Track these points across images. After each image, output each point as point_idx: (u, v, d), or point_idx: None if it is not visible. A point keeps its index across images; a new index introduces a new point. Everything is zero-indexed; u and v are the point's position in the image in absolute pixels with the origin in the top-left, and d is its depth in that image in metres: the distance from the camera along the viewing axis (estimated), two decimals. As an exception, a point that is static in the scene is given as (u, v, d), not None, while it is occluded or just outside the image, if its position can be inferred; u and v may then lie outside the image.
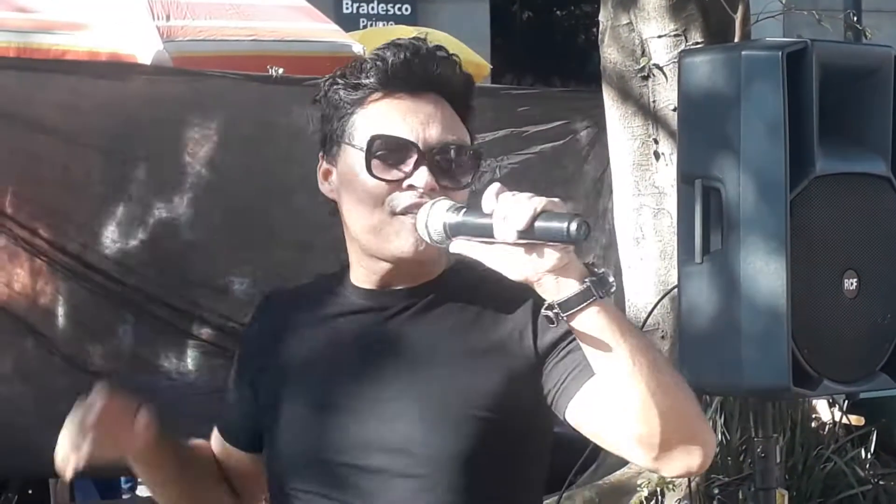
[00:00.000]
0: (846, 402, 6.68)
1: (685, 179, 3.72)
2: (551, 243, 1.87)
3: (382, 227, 2.11)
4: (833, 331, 3.64)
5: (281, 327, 2.26)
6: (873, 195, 3.72)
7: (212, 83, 5.94)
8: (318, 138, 2.23)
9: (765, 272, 3.53)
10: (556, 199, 1.89)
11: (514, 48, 17.50)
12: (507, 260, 1.89)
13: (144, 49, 6.78)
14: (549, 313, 1.91)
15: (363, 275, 2.19)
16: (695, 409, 2.04)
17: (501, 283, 1.97)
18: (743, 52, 3.65)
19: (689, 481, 5.25)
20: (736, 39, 5.60)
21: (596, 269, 1.91)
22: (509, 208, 1.87)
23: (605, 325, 1.91)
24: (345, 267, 2.25)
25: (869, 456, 6.57)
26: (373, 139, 2.09)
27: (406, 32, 11.88)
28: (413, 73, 2.12)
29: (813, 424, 6.49)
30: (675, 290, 3.80)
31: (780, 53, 3.54)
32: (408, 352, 2.14)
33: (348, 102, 2.15)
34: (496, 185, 1.92)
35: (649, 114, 5.83)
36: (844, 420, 6.59)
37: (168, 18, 7.04)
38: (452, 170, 2.10)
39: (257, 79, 5.99)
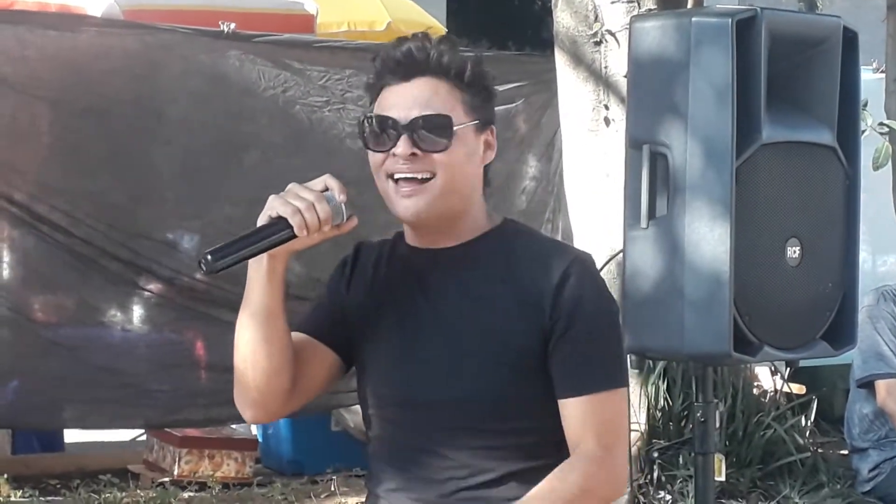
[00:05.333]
0: (788, 370, 6.75)
1: (633, 144, 3.73)
2: None
3: (387, 191, 2.54)
4: (774, 298, 3.66)
5: (371, 273, 2.65)
6: (818, 164, 3.75)
7: (162, 37, 5.89)
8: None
9: (708, 238, 3.55)
10: None
11: (470, 12, 17.46)
12: None
13: (94, 1, 6.72)
14: None
15: (409, 234, 2.61)
16: None
17: (543, 247, 2.62)
18: (693, 19, 3.64)
19: (629, 445, 5.30)
20: (689, 6, 5.62)
21: None
22: None
23: None
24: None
25: (808, 424, 6.65)
26: (363, 118, 2.55)
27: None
28: (401, 65, 2.54)
29: (754, 392, 6.55)
30: (621, 254, 3.82)
31: (729, 20, 3.55)
32: (447, 301, 2.55)
33: (370, 98, 2.60)
34: None
35: (601, 79, 5.84)
36: (785, 388, 6.67)
37: (119, -30, 6.98)
38: (428, 137, 2.50)
39: (208, 34, 5.95)
